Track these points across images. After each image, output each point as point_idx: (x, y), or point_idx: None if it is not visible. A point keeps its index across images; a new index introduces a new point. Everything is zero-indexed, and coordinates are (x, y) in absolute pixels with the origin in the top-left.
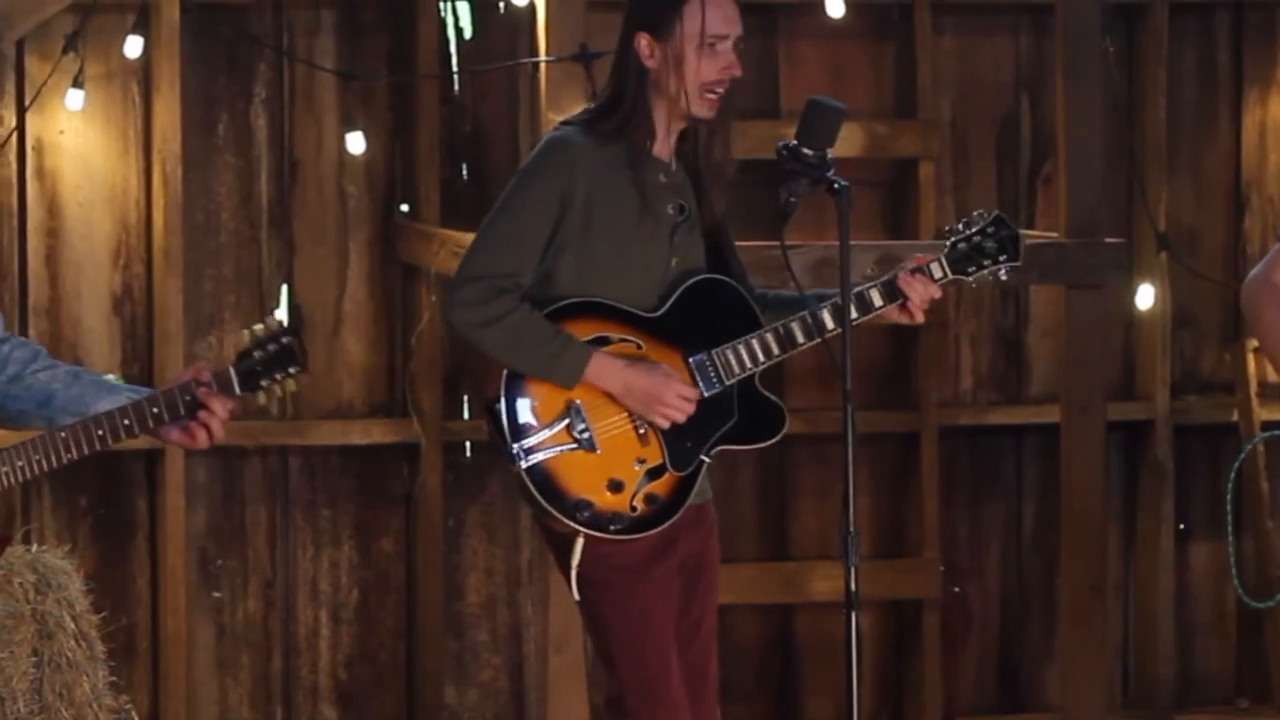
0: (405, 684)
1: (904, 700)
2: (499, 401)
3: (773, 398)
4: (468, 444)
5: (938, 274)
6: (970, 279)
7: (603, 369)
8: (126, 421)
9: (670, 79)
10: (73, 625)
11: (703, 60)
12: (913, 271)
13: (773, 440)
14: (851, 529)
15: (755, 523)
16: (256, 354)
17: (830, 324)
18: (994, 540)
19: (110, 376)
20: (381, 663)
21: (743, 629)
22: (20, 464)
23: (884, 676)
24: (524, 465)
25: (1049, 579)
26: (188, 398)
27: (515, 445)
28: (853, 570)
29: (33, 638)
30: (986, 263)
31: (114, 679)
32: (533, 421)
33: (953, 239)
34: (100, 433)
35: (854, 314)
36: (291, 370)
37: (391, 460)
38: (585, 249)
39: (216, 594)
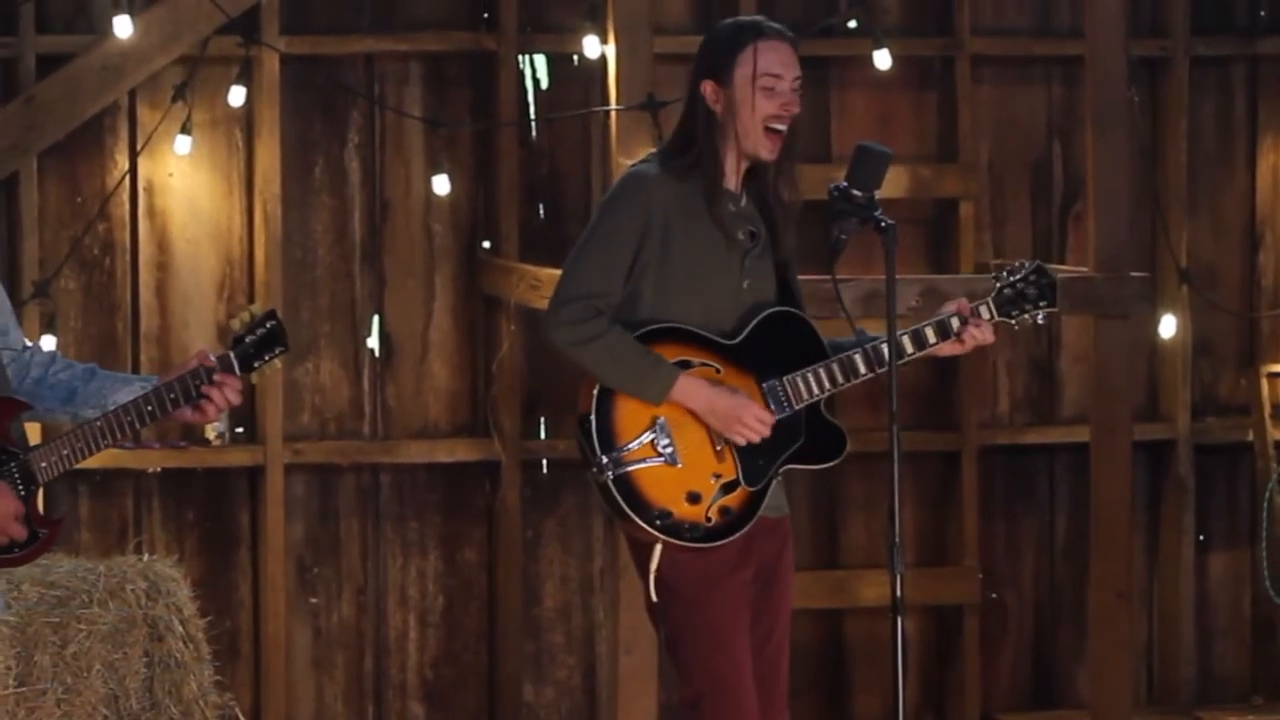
0: (487, 683)
1: (946, 698)
2: (590, 417)
3: (836, 423)
4: (544, 462)
5: (986, 315)
6: (1014, 322)
7: (688, 389)
8: (150, 407)
9: (733, 120)
10: (181, 628)
11: (760, 99)
12: (968, 318)
13: (835, 462)
14: (897, 540)
15: (809, 533)
16: (248, 339)
17: (889, 358)
18: (1029, 550)
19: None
20: (465, 663)
21: (797, 632)
22: (65, 453)
23: (927, 676)
24: (610, 476)
25: (1079, 586)
26: (198, 381)
27: (604, 457)
28: (899, 578)
29: (144, 640)
30: (1028, 307)
31: (219, 678)
32: (620, 436)
33: (998, 284)
34: (129, 419)
35: (910, 349)
36: (278, 350)
37: (474, 477)
38: (664, 271)
39: (313, 600)
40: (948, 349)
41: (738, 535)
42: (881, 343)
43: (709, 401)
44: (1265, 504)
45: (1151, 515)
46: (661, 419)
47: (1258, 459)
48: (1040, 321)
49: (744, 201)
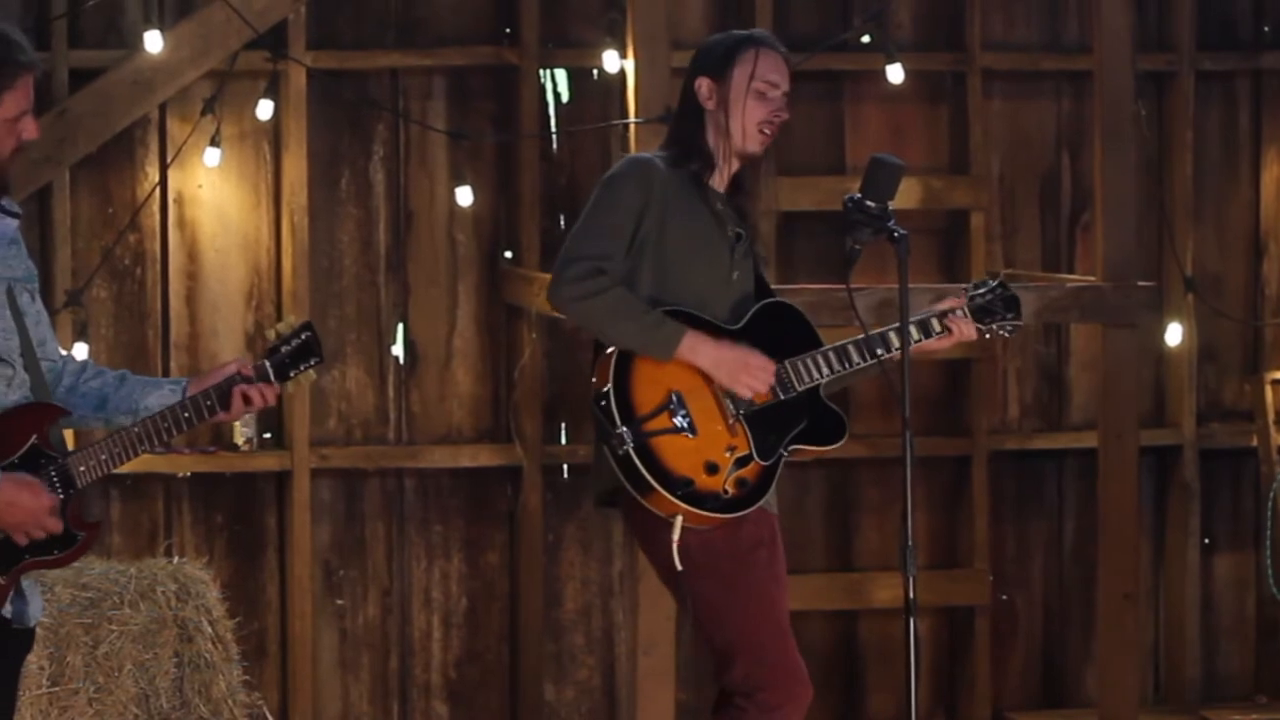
0: (509, 682)
1: (957, 697)
2: (607, 390)
3: (836, 408)
4: (565, 466)
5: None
6: (984, 331)
7: (695, 344)
8: (187, 414)
9: (725, 118)
10: (210, 629)
11: (753, 102)
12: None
13: (838, 444)
14: (910, 543)
15: (823, 537)
16: (283, 349)
17: (879, 347)
18: (1038, 553)
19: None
20: (487, 663)
21: (812, 633)
22: (104, 457)
23: (939, 676)
24: (631, 445)
25: (1088, 588)
26: (234, 389)
27: (624, 428)
28: (911, 580)
29: (174, 641)
30: (998, 318)
31: (247, 678)
32: (638, 407)
33: (969, 294)
34: (166, 425)
35: (895, 344)
36: (312, 361)
37: (496, 481)
38: (660, 253)
39: (339, 601)
40: (932, 344)
41: (755, 507)
42: (873, 334)
43: (714, 356)
44: (1269, 507)
45: (1158, 519)
46: (677, 392)
47: (1261, 464)
48: (1008, 334)
49: (726, 203)
